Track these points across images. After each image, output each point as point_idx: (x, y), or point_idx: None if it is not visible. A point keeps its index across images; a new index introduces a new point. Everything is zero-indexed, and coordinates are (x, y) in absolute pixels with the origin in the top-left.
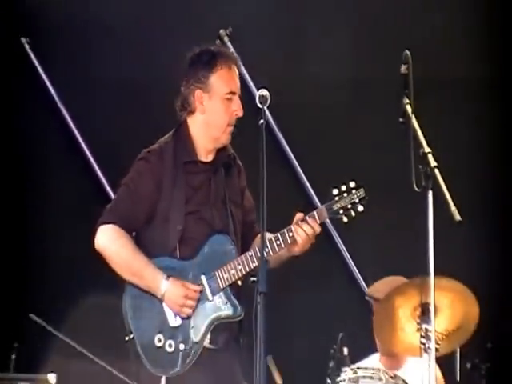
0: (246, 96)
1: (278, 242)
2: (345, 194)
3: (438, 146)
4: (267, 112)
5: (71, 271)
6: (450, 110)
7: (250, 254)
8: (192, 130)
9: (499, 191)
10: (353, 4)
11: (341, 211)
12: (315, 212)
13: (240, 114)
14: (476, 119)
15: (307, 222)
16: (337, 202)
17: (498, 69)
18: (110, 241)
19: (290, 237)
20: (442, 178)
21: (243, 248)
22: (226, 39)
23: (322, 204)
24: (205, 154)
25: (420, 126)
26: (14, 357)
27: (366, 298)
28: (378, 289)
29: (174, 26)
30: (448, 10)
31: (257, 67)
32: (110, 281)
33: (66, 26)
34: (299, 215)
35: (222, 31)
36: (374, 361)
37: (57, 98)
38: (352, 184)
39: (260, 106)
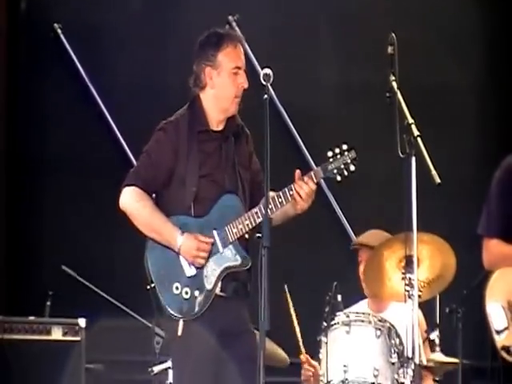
0: (252, 77)
1: (280, 200)
2: (338, 156)
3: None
4: (270, 88)
5: (100, 228)
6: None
7: (255, 210)
8: (204, 103)
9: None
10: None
11: (335, 171)
12: (312, 172)
13: (245, 85)
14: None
15: (304, 181)
16: (331, 162)
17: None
18: (131, 201)
19: (290, 195)
20: (424, 145)
21: (253, 206)
22: (233, 24)
23: (317, 165)
24: (216, 123)
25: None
26: (48, 303)
27: (353, 247)
28: (364, 239)
29: None
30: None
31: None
32: (133, 236)
33: None
34: (298, 172)
35: (230, 17)
36: (362, 306)
37: (84, 74)
38: (344, 146)
39: (264, 83)
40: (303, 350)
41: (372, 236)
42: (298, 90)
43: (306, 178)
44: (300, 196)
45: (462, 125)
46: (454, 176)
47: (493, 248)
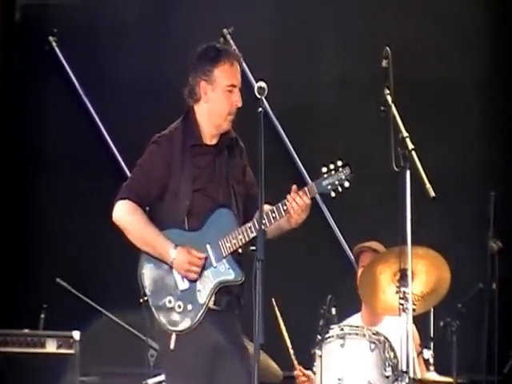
0: (246, 89)
1: (274, 215)
2: (333, 172)
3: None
4: (265, 101)
5: (92, 241)
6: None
7: (249, 225)
8: (198, 116)
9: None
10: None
11: (329, 187)
12: (306, 188)
13: (239, 104)
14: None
15: (299, 195)
16: (325, 178)
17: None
18: (125, 214)
19: (284, 210)
20: (418, 159)
21: (247, 219)
22: (228, 37)
23: (312, 181)
24: (209, 138)
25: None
26: (43, 316)
27: (356, 251)
28: (367, 243)
29: None
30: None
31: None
32: (127, 249)
33: None
34: (294, 187)
35: (224, 30)
36: (356, 319)
37: (78, 85)
38: (339, 163)
39: (258, 96)
40: (296, 363)
41: (375, 244)
42: (294, 102)
43: (300, 193)
44: (294, 210)
45: (464, 122)
46: (451, 188)
47: None
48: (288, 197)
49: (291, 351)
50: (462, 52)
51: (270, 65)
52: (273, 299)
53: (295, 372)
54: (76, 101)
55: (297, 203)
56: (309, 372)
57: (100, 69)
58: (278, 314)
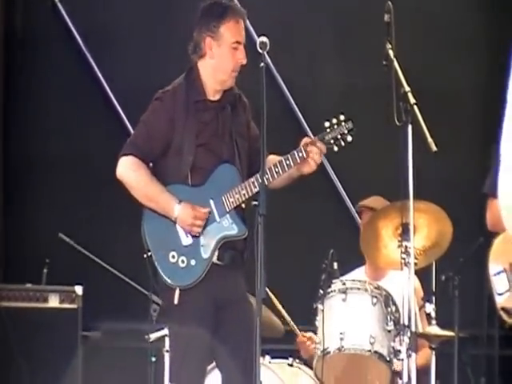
0: (249, 45)
1: (277, 170)
2: (335, 126)
3: None
4: (267, 56)
5: (95, 196)
6: None
7: (252, 180)
8: (201, 72)
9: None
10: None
11: (332, 141)
12: (316, 137)
13: (244, 61)
14: None
15: (315, 144)
16: (328, 133)
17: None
18: (128, 170)
19: (299, 157)
20: (420, 113)
21: (253, 173)
22: None
23: (314, 135)
24: (213, 93)
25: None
26: (45, 271)
27: (357, 209)
28: (367, 202)
29: None
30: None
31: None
32: (131, 205)
33: None
34: (306, 139)
35: None
36: (359, 273)
37: (82, 44)
38: (342, 117)
39: (260, 51)
40: (297, 331)
41: (375, 200)
42: (296, 59)
43: (318, 144)
44: (312, 158)
45: (463, 127)
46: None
47: (496, 208)
48: (303, 147)
49: (291, 322)
50: (461, 57)
51: (272, 22)
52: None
53: (298, 339)
54: (80, 59)
55: (314, 151)
56: (310, 334)
57: (103, 24)
58: (275, 300)
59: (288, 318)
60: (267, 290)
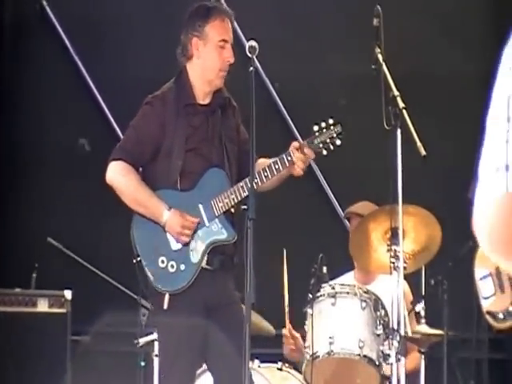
0: (238, 50)
1: (266, 174)
2: (324, 130)
3: None
4: (256, 61)
5: (85, 200)
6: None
7: (241, 184)
8: (190, 75)
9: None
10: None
11: (321, 145)
12: (305, 142)
13: (231, 60)
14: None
15: (302, 149)
16: (317, 136)
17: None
18: (118, 175)
19: (288, 160)
20: (409, 118)
21: (243, 176)
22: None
23: (303, 139)
24: (202, 97)
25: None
26: (34, 275)
27: (345, 216)
28: (354, 208)
29: None
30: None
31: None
32: (120, 209)
33: None
34: (295, 143)
35: None
36: (349, 278)
37: (69, 45)
38: (331, 121)
39: (249, 55)
40: (287, 322)
41: (363, 206)
42: (284, 63)
43: (305, 149)
44: (299, 162)
45: (465, 114)
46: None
47: None
48: (292, 151)
49: (286, 311)
50: (463, 46)
51: (262, 25)
52: (284, 249)
53: (284, 331)
54: (68, 60)
55: (300, 158)
56: (297, 335)
57: (93, 28)
58: (285, 269)
59: (286, 299)
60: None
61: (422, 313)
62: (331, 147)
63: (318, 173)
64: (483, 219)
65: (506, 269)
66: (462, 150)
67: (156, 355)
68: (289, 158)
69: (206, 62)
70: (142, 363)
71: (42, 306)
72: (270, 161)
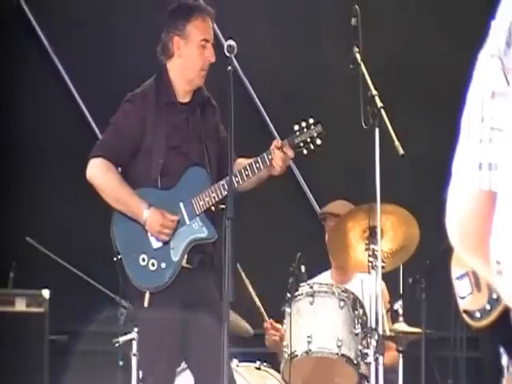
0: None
1: (247, 173)
2: (304, 129)
3: None
4: (234, 60)
5: (63, 198)
6: None
7: (222, 183)
8: (171, 73)
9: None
10: None
11: (301, 144)
12: (286, 141)
13: (212, 59)
14: None
15: (283, 149)
16: (297, 136)
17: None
18: (98, 172)
19: (269, 159)
20: (387, 117)
21: (223, 176)
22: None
23: (282, 139)
24: (182, 95)
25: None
26: (12, 274)
27: (320, 216)
28: (330, 208)
29: None
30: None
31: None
32: (98, 207)
33: None
34: (276, 142)
35: None
36: (326, 277)
37: (48, 46)
38: (311, 120)
39: (228, 54)
40: (266, 316)
41: (338, 205)
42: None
43: (285, 148)
44: (278, 162)
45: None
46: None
47: None
48: (272, 150)
49: (262, 309)
50: (450, 36)
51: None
52: (238, 264)
53: (265, 324)
54: (46, 57)
55: (281, 157)
56: (279, 326)
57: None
58: (245, 279)
59: (257, 302)
60: (239, 267)
61: (400, 311)
62: (311, 147)
63: (296, 171)
64: (454, 215)
65: (472, 266)
66: (440, 149)
67: (134, 354)
68: (269, 157)
69: (187, 61)
70: (121, 362)
71: (20, 306)
72: (250, 160)
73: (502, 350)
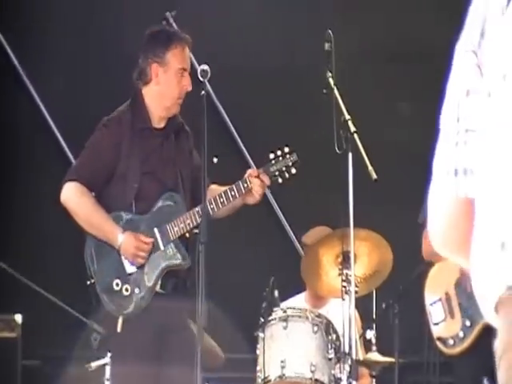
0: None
1: (222, 200)
2: (280, 158)
3: None
4: (207, 85)
5: (36, 221)
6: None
7: (196, 209)
8: (147, 99)
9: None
10: None
11: (276, 173)
12: (262, 170)
13: (189, 88)
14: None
15: (260, 177)
16: (273, 165)
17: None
18: (73, 196)
19: (244, 187)
20: (360, 142)
21: (196, 202)
22: (171, 20)
23: (258, 167)
24: (157, 121)
25: None
26: None
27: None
28: (304, 238)
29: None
30: None
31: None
32: (72, 230)
33: None
34: (251, 170)
35: (167, 13)
36: (300, 299)
37: (23, 72)
38: (286, 149)
39: (201, 79)
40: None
41: (312, 234)
42: (239, 88)
43: (261, 176)
44: (256, 190)
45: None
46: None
47: None
48: (247, 178)
49: None
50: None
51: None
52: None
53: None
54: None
55: (258, 184)
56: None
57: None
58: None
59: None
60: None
61: (373, 340)
62: (286, 176)
63: (270, 196)
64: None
65: (455, 261)
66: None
67: (107, 379)
68: (245, 185)
69: (165, 89)
70: None
71: None
72: (225, 188)
73: (485, 381)
